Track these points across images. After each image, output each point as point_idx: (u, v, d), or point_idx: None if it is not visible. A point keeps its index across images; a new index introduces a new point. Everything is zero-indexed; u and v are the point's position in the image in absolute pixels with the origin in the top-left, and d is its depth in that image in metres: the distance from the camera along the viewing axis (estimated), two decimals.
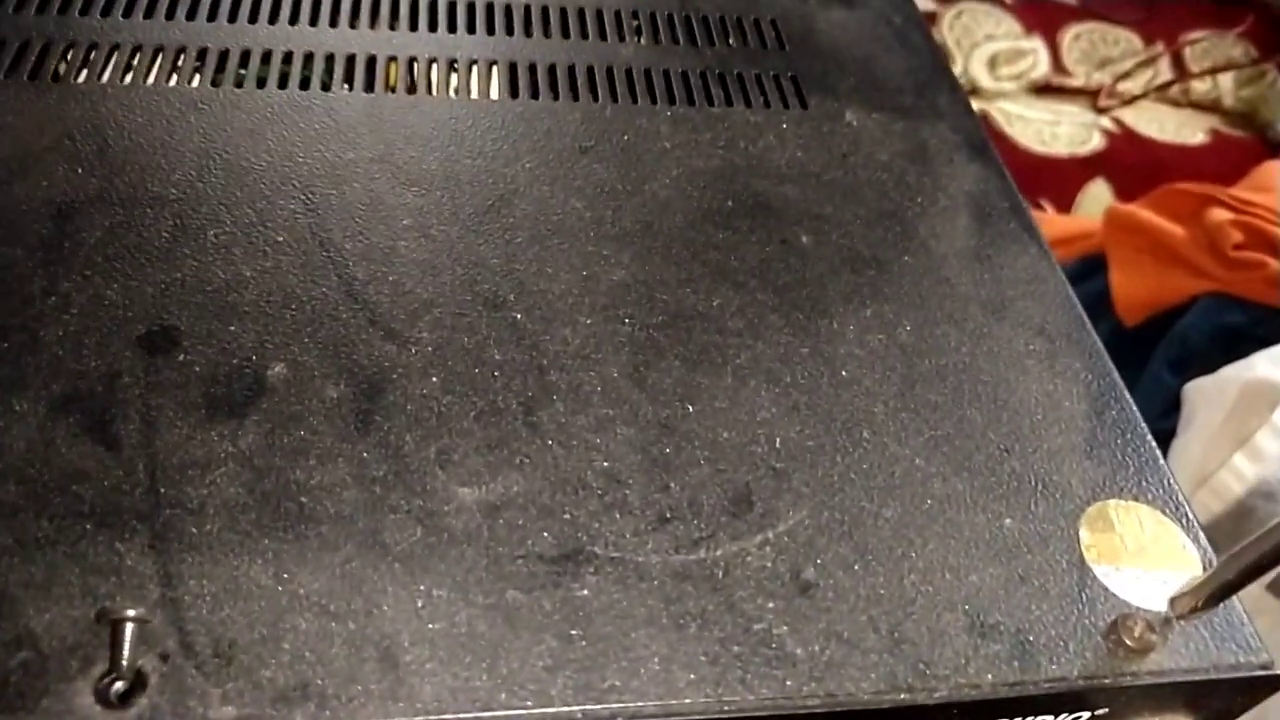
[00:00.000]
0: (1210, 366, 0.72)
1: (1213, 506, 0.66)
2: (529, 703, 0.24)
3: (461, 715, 0.23)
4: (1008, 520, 0.29)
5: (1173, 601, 0.27)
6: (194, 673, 0.23)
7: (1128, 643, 0.27)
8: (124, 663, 0.23)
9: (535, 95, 0.40)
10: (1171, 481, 0.31)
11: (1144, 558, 0.29)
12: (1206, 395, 0.70)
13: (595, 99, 0.40)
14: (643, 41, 0.44)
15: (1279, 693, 0.29)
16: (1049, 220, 0.90)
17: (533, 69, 0.41)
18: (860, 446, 0.30)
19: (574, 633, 0.25)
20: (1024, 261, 0.37)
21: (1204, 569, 0.29)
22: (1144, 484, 0.31)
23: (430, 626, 0.25)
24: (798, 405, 0.31)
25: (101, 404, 0.28)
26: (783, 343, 0.33)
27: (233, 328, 0.30)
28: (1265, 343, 0.72)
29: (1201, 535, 0.30)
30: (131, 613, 0.23)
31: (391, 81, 0.39)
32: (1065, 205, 0.96)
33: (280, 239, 0.33)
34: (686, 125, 0.40)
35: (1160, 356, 0.75)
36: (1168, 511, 0.30)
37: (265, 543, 0.26)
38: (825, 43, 0.45)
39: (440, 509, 0.27)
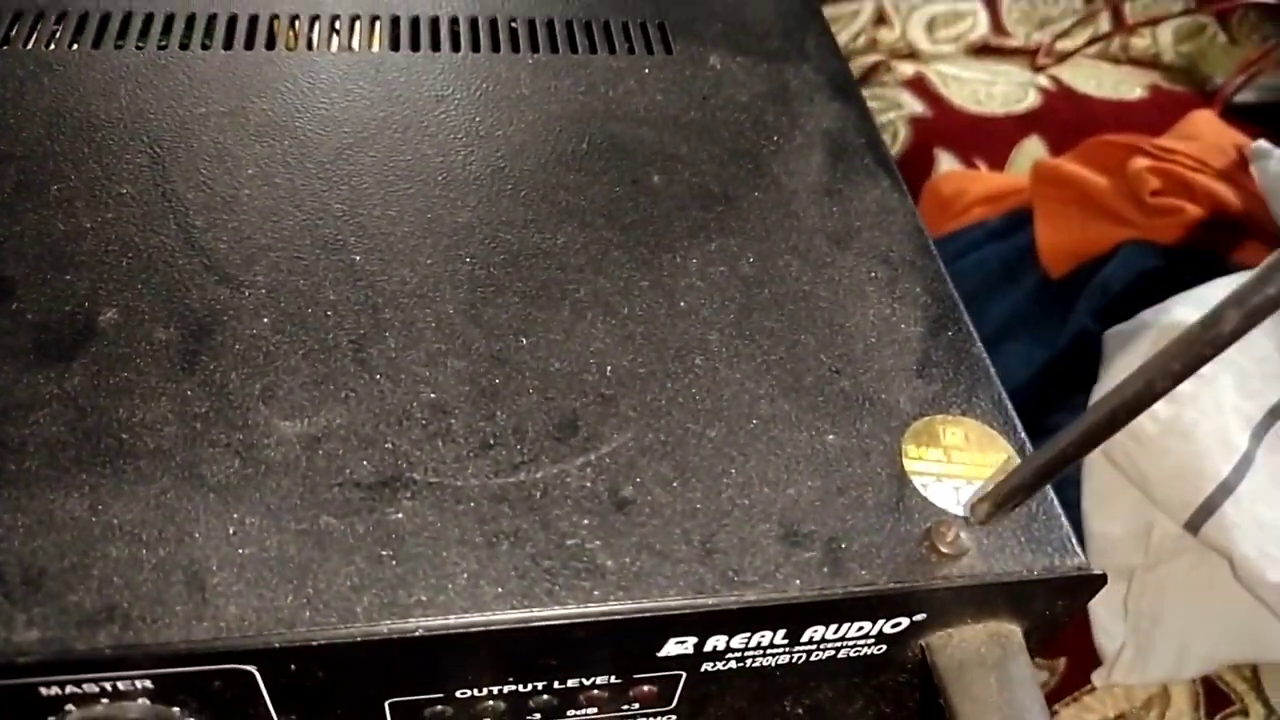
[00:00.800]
0: (1131, 313, 0.73)
1: (1130, 447, 0.66)
2: (333, 619, 0.24)
3: (265, 633, 0.24)
4: (830, 436, 0.30)
5: (971, 507, 0.27)
6: (2, 600, 0.24)
7: (941, 548, 0.28)
8: None
9: (395, 47, 0.40)
10: (1001, 397, 0.32)
11: (967, 469, 0.30)
12: (1125, 340, 0.70)
13: (456, 50, 0.41)
14: None
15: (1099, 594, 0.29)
16: (981, 178, 0.91)
17: (395, 22, 0.41)
18: (691, 372, 0.31)
19: (384, 553, 0.26)
20: (874, 194, 0.37)
21: None
22: (974, 400, 0.32)
23: (240, 551, 0.25)
24: (633, 335, 0.32)
25: None
26: (624, 277, 0.33)
27: (68, 277, 0.30)
28: (1185, 286, 0.73)
29: (1028, 445, 0.31)
30: None
31: (250, 38, 0.40)
32: (1000, 163, 0.97)
33: (123, 191, 0.33)
34: (547, 72, 0.40)
35: (1084, 305, 0.76)
36: (995, 425, 0.31)
37: (83, 477, 0.26)
38: None
39: (260, 442, 0.27)
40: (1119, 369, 0.69)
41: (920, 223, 0.37)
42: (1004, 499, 0.26)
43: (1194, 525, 0.64)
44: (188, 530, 0.25)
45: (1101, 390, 0.70)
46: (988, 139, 0.99)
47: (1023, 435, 0.31)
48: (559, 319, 0.32)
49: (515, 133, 0.37)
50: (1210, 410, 0.65)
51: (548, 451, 0.28)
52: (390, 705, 0.27)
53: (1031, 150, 0.98)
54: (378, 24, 0.41)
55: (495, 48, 0.41)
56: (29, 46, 0.38)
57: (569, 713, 0.29)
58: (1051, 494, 0.30)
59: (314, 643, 0.24)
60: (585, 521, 0.27)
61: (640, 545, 0.27)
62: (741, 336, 0.32)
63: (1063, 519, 0.29)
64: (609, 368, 0.31)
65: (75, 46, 0.38)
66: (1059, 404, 0.74)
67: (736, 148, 0.38)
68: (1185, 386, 0.67)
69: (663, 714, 0.30)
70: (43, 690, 0.24)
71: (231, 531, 0.26)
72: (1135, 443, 0.65)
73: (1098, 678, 0.67)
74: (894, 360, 0.32)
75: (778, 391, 0.31)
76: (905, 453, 0.30)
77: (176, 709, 0.25)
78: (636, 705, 0.30)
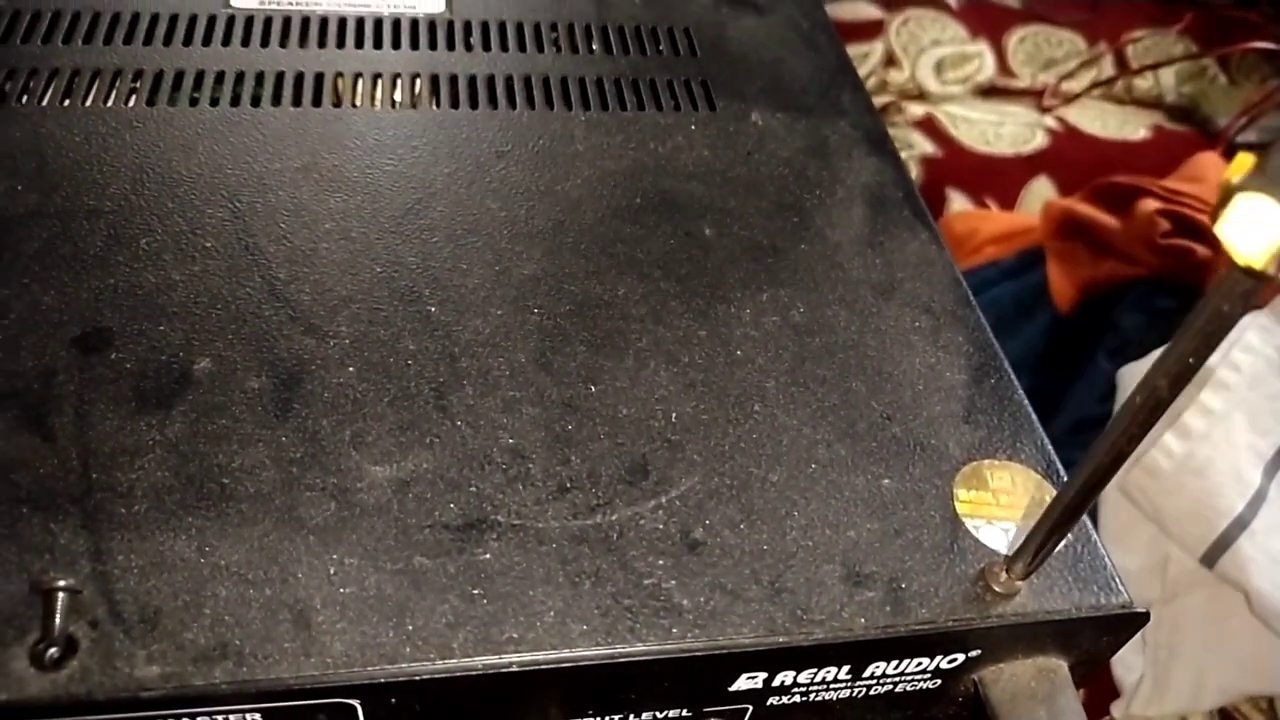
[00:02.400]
0: (1144, 351, 0.75)
1: (1145, 484, 0.68)
2: (432, 655, 0.26)
3: (368, 668, 0.26)
4: (886, 481, 0.32)
5: (1010, 562, 0.29)
6: (121, 637, 0.25)
7: (994, 588, 0.29)
8: (55, 630, 0.25)
9: (455, 105, 0.42)
10: (1044, 442, 0.34)
11: (1015, 512, 0.32)
12: (1138, 378, 0.72)
13: (513, 107, 0.43)
14: (561, 52, 0.46)
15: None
16: (992, 217, 0.93)
17: (453, 80, 0.43)
18: (751, 418, 0.33)
19: (475, 592, 0.27)
20: (914, 246, 0.39)
21: None
22: (1018, 445, 0.33)
23: (341, 591, 0.27)
24: (694, 383, 0.33)
25: (38, 399, 0.30)
26: (682, 326, 0.35)
27: (162, 327, 0.32)
28: None
29: None
30: (62, 583, 0.25)
31: (318, 96, 0.42)
32: (1009, 203, 0.99)
33: (208, 245, 0.35)
34: (599, 129, 0.42)
35: (1098, 344, 0.78)
36: (1039, 470, 0.33)
37: (189, 520, 0.28)
38: (735, 49, 0.48)
39: (353, 486, 0.29)
40: None
41: (958, 273, 0.39)
42: (1039, 547, 0.28)
43: (1210, 560, 0.66)
44: (291, 570, 0.27)
45: None
46: (997, 179, 1.01)
47: (1064, 477, 0.33)
48: (624, 367, 0.33)
49: (573, 188, 0.39)
50: (1223, 447, 0.67)
51: (621, 495, 0.30)
52: None
53: (1040, 190, 1.01)
54: (438, 82, 0.43)
55: (549, 105, 0.43)
56: (109, 104, 0.40)
57: None
58: (1094, 533, 0.31)
59: (415, 677, 0.26)
60: (660, 562, 0.29)
61: (713, 585, 0.28)
62: (796, 384, 0.34)
63: (1107, 558, 0.31)
64: (674, 414, 0.32)
65: (153, 105, 0.40)
66: (1075, 441, 0.75)
67: (782, 201, 0.40)
68: (1199, 424, 0.69)
69: None
70: None
71: (332, 571, 0.27)
72: (1151, 479, 0.67)
73: (1117, 709, 0.68)
74: (941, 407, 0.34)
75: (834, 437, 0.33)
76: (956, 496, 0.32)
77: None
78: None
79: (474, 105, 0.42)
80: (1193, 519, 0.66)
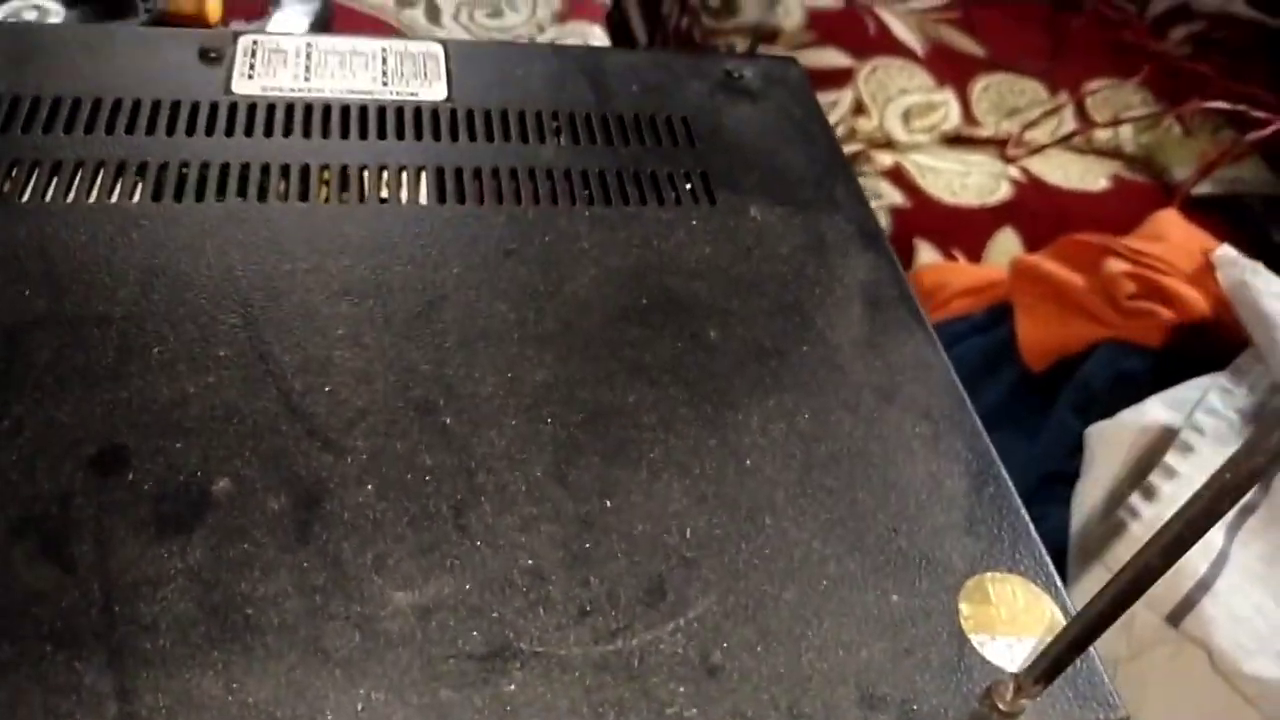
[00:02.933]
0: (1110, 410, 0.77)
1: (1113, 544, 0.70)
2: None
3: None
4: (894, 596, 0.32)
5: (1022, 674, 0.30)
6: None
7: (1000, 707, 0.30)
8: None
9: (461, 200, 0.43)
10: (1042, 554, 0.35)
11: (1016, 626, 0.33)
12: (1106, 438, 0.74)
13: (519, 202, 0.43)
14: (562, 142, 0.47)
15: None
16: (961, 270, 0.95)
17: (459, 173, 0.44)
18: (763, 533, 0.33)
19: None
20: (911, 347, 0.40)
21: None
22: (1017, 556, 0.35)
23: None
24: (706, 495, 0.34)
25: (56, 526, 0.30)
26: (693, 435, 0.36)
27: (179, 445, 0.32)
28: (1160, 386, 0.78)
29: (1069, 603, 0.34)
30: None
31: (324, 190, 0.42)
32: (976, 255, 1.01)
33: (221, 354, 0.35)
34: (603, 225, 0.43)
35: (1064, 401, 0.80)
36: (1039, 582, 0.34)
37: (215, 655, 0.28)
38: (732, 139, 0.49)
39: (376, 614, 0.29)
40: (1101, 465, 0.73)
41: (954, 376, 0.40)
42: (1044, 674, 0.29)
43: (1175, 619, 0.68)
44: (319, 708, 0.27)
45: (1084, 486, 0.74)
46: (964, 230, 1.04)
47: (1063, 591, 0.34)
48: (637, 480, 0.34)
49: (580, 288, 0.40)
50: None
51: (640, 617, 0.31)
52: None
53: (1005, 242, 1.03)
54: (444, 175, 0.44)
55: (554, 200, 0.43)
56: (114, 199, 0.40)
57: None
58: (1093, 649, 0.33)
59: None
60: (681, 689, 0.29)
61: (733, 712, 0.29)
62: (805, 495, 0.35)
63: (1104, 674, 0.32)
64: (688, 530, 0.33)
65: (159, 200, 0.40)
66: (1042, 496, 0.77)
67: (782, 301, 0.41)
68: (1166, 487, 0.71)
69: None
70: None
71: (360, 708, 0.27)
72: (1121, 542, 0.69)
73: None
74: (944, 517, 0.35)
75: (843, 550, 0.33)
76: (961, 611, 0.33)
77: None
78: None
79: (480, 200, 0.43)
80: (1159, 580, 0.68)
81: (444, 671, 0.28)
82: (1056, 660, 0.29)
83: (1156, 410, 0.73)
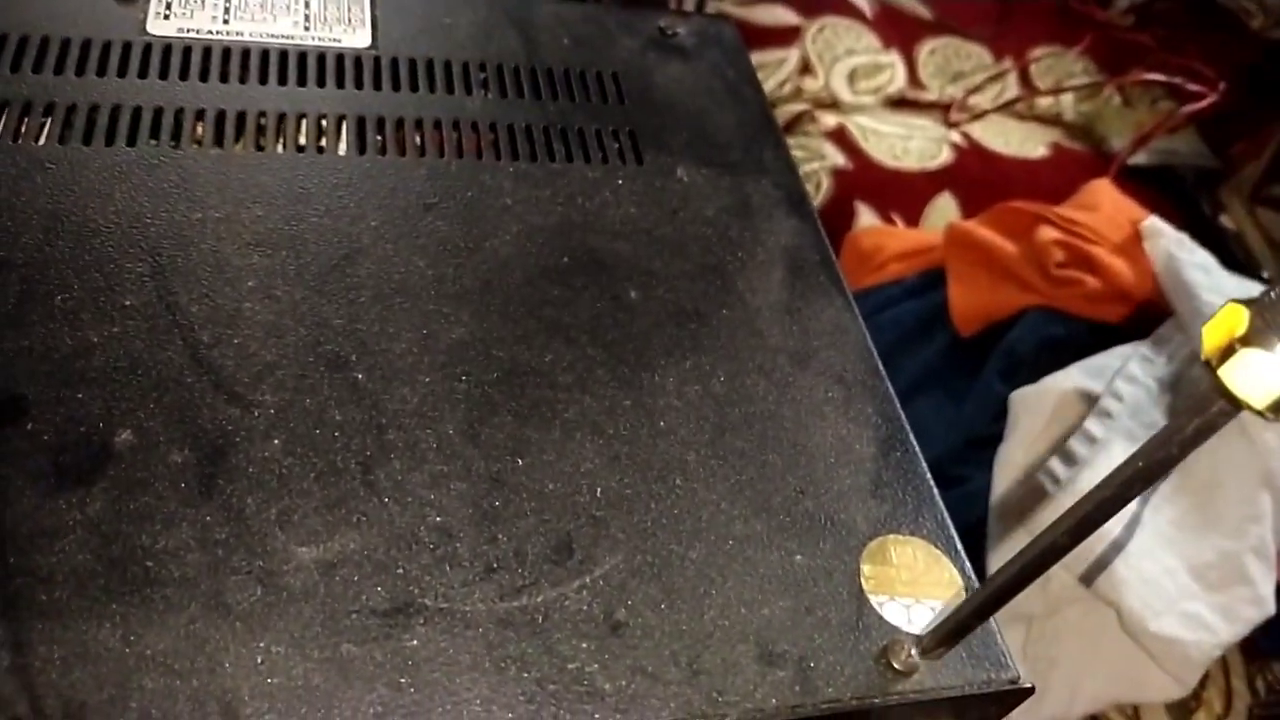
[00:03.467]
0: (1036, 375, 0.79)
1: (1031, 506, 0.72)
2: None
3: None
4: (798, 557, 0.33)
5: (925, 637, 0.31)
6: None
7: (895, 665, 0.31)
8: None
9: (382, 151, 0.42)
10: (944, 517, 0.36)
11: (916, 588, 0.34)
12: (1029, 403, 0.76)
13: (441, 155, 0.43)
14: (489, 95, 0.46)
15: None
16: (898, 234, 0.96)
17: (380, 123, 0.43)
18: (673, 493, 0.34)
19: (403, 681, 0.28)
20: (829, 314, 0.41)
21: (966, 596, 0.33)
22: (920, 520, 0.35)
23: (269, 681, 0.27)
24: (619, 456, 0.34)
25: None
26: (608, 396, 0.36)
27: (80, 395, 0.32)
28: (1085, 352, 0.79)
29: (968, 567, 0.35)
30: None
31: (240, 137, 0.41)
32: (914, 219, 1.02)
33: (128, 303, 0.34)
34: (528, 181, 0.42)
35: (991, 366, 0.82)
36: (939, 545, 0.35)
37: (113, 607, 0.28)
38: (662, 97, 0.48)
39: (279, 568, 0.29)
40: (1024, 429, 0.75)
41: (869, 342, 0.41)
42: (946, 637, 0.30)
43: (1088, 578, 0.70)
44: (218, 660, 0.27)
45: (1006, 449, 0.76)
46: (903, 194, 1.04)
47: (962, 555, 0.35)
48: (551, 439, 0.34)
49: (501, 245, 0.40)
50: (1104, 472, 0.71)
51: (546, 575, 0.31)
52: None
53: (944, 207, 1.04)
54: (365, 125, 0.43)
55: (479, 154, 0.43)
56: (18, 141, 0.38)
57: None
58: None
59: None
60: (584, 645, 0.30)
61: (634, 668, 0.30)
62: (716, 457, 0.35)
63: (999, 636, 0.33)
64: (599, 489, 0.33)
65: (66, 143, 0.39)
66: (966, 458, 0.79)
67: (705, 263, 0.41)
68: (1082, 450, 0.73)
69: None
70: None
71: (259, 661, 0.27)
72: (1039, 505, 0.71)
73: None
74: (850, 480, 0.36)
75: (750, 512, 0.34)
76: (862, 572, 0.33)
77: None
78: None
79: (402, 152, 0.42)
80: None
81: (346, 626, 0.29)
82: (960, 625, 0.30)
83: (1078, 377, 0.75)
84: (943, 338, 0.86)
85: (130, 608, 0.28)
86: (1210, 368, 0.21)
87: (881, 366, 0.40)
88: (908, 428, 0.38)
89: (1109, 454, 0.72)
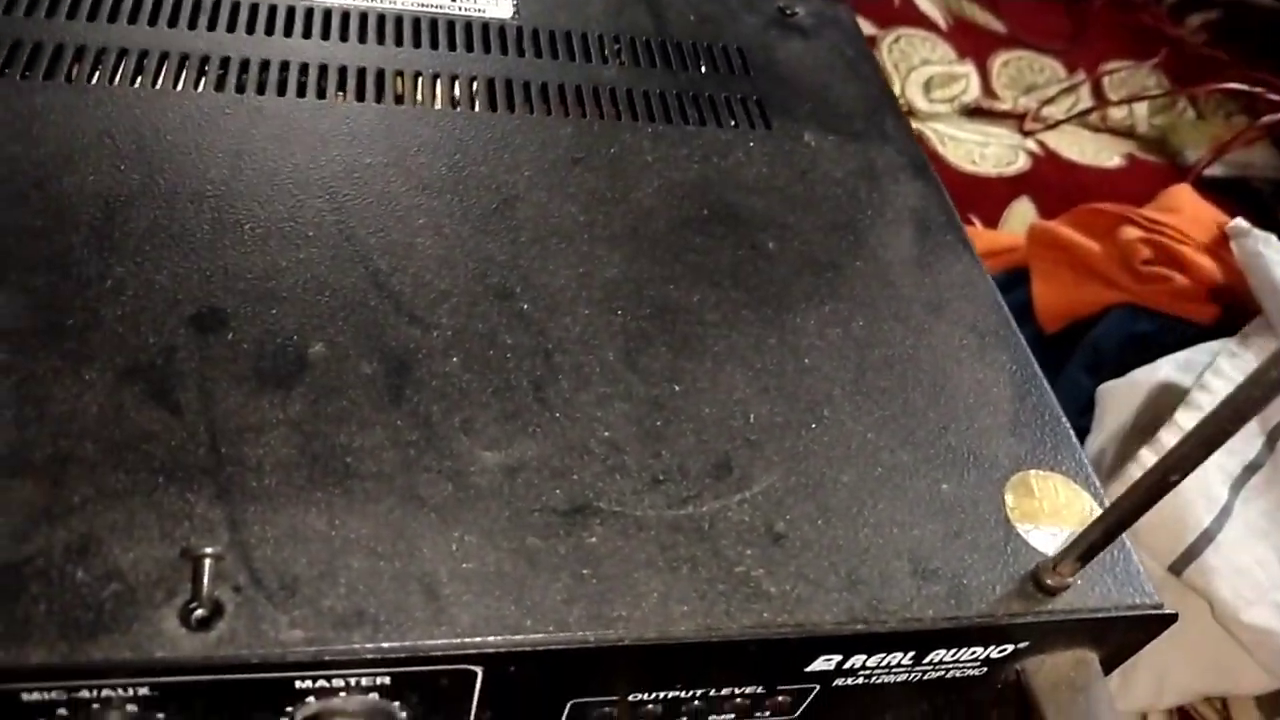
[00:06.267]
0: (1121, 371, 0.79)
1: None
2: (551, 628, 0.28)
3: (494, 638, 0.28)
4: (944, 485, 0.34)
5: (1057, 563, 0.32)
6: (264, 602, 0.27)
7: (1047, 584, 0.32)
8: (204, 593, 0.27)
9: (530, 110, 0.44)
10: (1081, 457, 0.37)
11: (1059, 518, 0.35)
12: (1117, 396, 0.76)
13: (584, 115, 0.45)
14: (623, 63, 0.48)
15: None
16: (978, 234, 0.97)
17: (526, 86, 0.45)
18: (822, 423, 0.35)
19: (585, 572, 0.30)
20: (958, 269, 0.42)
21: None
22: (1059, 458, 0.37)
23: (464, 566, 0.29)
24: (768, 387, 0.36)
25: (162, 375, 0.31)
26: (754, 334, 0.38)
27: (274, 311, 0.34)
28: (1171, 349, 0.80)
29: (1104, 497, 0.36)
30: (209, 550, 0.27)
31: (397, 94, 0.43)
32: (993, 221, 1.03)
33: (310, 234, 0.37)
34: (665, 141, 0.44)
35: (1077, 361, 0.82)
36: (1078, 481, 0.36)
37: (318, 495, 0.30)
38: (785, 71, 0.50)
39: (466, 469, 0.31)
40: (1112, 422, 0.76)
41: (999, 297, 0.42)
42: (1084, 553, 0.31)
43: (1177, 569, 0.70)
44: (416, 546, 0.29)
45: (1094, 441, 0.76)
46: (983, 198, 1.05)
47: (1100, 488, 0.36)
48: (703, 369, 0.36)
49: (644, 196, 0.42)
50: None
51: (709, 488, 0.33)
52: (571, 706, 0.31)
53: (1022, 211, 1.05)
54: (511, 87, 0.45)
55: (618, 116, 0.45)
56: (200, 90, 0.41)
57: (710, 717, 0.33)
58: (1128, 542, 0.35)
59: (536, 648, 0.28)
60: (748, 551, 0.31)
61: (797, 574, 0.31)
62: (860, 393, 0.37)
63: (1139, 565, 0.34)
64: (751, 415, 0.35)
65: (243, 92, 0.41)
66: None
67: (836, 220, 0.43)
68: (1172, 442, 0.73)
69: None
70: (297, 684, 0.27)
71: (454, 548, 0.29)
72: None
73: None
74: (990, 420, 0.37)
75: (896, 443, 0.35)
76: (1006, 502, 0.35)
77: (397, 703, 0.29)
78: (768, 713, 0.34)
79: (547, 112, 0.44)
80: (1163, 530, 0.70)
81: (530, 523, 0.30)
82: (1092, 544, 0.31)
83: (1167, 370, 0.75)
84: (1025, 334, 0.86)
85: (334, 496, 0.30)
86: None
87: (1012, 319, 0.41)
88: (1041, 375, 0.39)
89: None
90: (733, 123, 0.47)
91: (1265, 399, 0.26)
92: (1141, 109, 1.25)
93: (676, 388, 0.35)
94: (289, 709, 0.28)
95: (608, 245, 0.39)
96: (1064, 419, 0.38)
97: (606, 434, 0.33)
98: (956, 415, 0.37)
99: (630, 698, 0.31)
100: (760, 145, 0.46)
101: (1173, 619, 0.33)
